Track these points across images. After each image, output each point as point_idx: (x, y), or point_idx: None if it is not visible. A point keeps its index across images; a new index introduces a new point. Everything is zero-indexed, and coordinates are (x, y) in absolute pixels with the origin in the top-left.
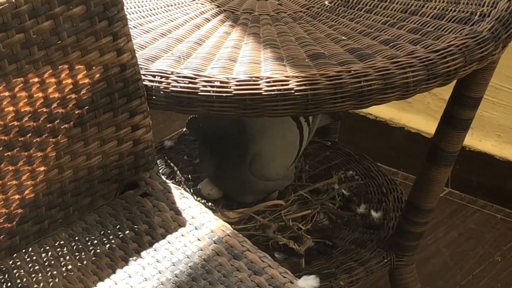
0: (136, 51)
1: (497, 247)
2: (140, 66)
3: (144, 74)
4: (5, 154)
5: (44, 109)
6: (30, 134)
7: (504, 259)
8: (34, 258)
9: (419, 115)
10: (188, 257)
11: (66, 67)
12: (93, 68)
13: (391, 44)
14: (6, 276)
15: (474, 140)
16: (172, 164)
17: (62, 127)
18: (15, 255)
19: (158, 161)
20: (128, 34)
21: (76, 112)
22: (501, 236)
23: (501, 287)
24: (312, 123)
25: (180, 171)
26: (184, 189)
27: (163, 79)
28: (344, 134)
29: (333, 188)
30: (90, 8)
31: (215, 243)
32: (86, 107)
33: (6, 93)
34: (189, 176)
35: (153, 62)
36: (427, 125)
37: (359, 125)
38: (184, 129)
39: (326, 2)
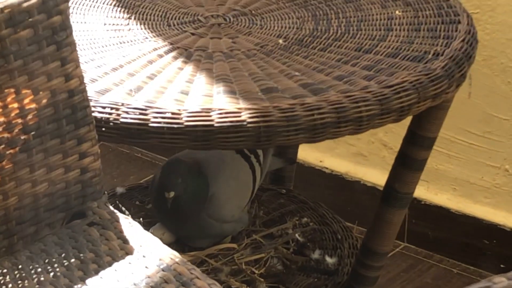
0: (87, 85)
1: None
2: (90, 98)
3: (94, 106)
4: None
5: None
6: None
7: None
8: None
9: (375, 169)
10: (134, 285)
11: (12, 91)
12: (40, 93)
13: (345, 79)
14: None
15: (429, 193)
16: (123, 209)
17: (7, 152)
18: None
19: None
20: (76, 59)
21: (22, 137)
22: None
23: None
24: (263, 163)
25: (132, 216)
26: None
27: (113, 110)
28: (300, 189)
29: (287, 233)
30: (38, 32)
31: (163, 270)
32: (32, 133)
33: None
34: (141, 220)
35: (104, 94)
36: (383, 179)
37: (315, 179)
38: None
39: (280, 41)
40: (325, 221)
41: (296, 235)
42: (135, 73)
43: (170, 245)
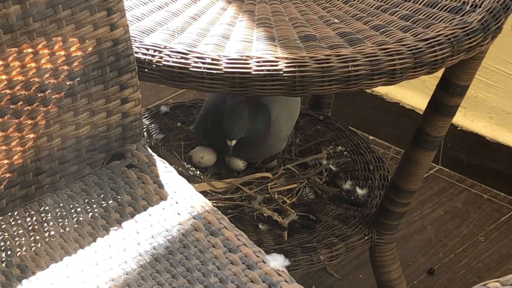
0: (132, 23)
1: (481, 228)
2: (134, 38)
3: (138, 47)
4: None
5: (36, 79)
6: (21, 102)
7: (487, 239)
8: (19, 222)
9: (414, 92)
10: (166, 231)
11: (59, 39)
12: (86, 41)
13: (382, 30)
14: None
15: (466, 120)
16: (165, 131)
17: (53, 97)
18: (1, 218)
19: (152, 125)
20: (122, 9)
21: (68, 83)
22: (486, 216)
23: (482, 267)
24: None
25: (173, 137)
26: (175, 156)
27: (156, 53)
28: (340, 106)
29: (321, 163)
30: None
31: (194, 218)
32: (77, 79)
33: (0, 62)
34: (182, 142)
35: (148, 35)
36: (422, 102)
37: (355, 98)
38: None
39: None
40: (359, 151)
41: (330, 165)
42: (179, 13)
43: (207, 168)
